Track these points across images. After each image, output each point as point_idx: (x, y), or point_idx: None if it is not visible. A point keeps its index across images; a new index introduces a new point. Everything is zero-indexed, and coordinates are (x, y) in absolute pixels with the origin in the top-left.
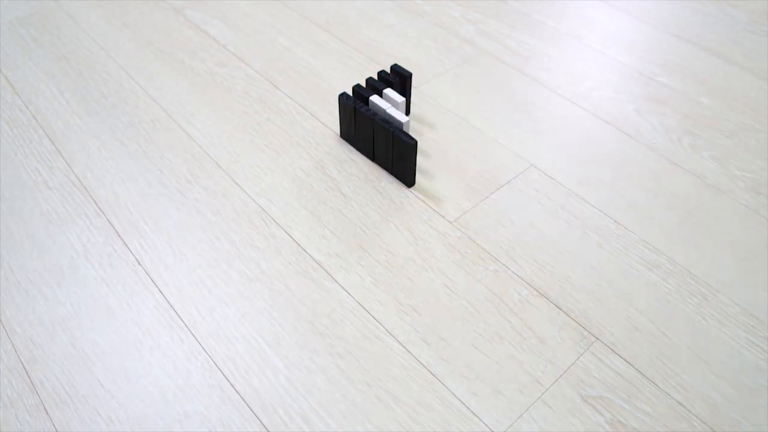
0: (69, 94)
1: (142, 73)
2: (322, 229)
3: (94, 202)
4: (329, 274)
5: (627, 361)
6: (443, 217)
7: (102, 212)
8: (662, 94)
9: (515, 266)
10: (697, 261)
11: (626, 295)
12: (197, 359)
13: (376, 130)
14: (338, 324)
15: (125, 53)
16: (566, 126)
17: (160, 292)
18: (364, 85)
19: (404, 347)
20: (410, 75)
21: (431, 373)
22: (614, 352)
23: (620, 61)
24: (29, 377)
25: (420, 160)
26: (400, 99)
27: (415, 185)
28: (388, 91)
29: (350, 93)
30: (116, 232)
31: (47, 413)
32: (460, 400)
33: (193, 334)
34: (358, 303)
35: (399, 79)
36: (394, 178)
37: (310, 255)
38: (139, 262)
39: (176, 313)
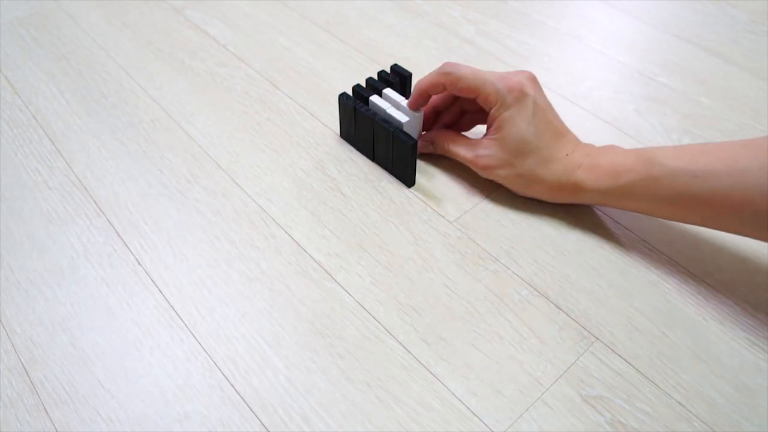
0: (69, 94)
1: (142, 73)
2: (322, 229)
3: (94, 202)
4: (329, 274)
5: (627, 361)
6: (443, 217)
7: (102, 212)
8: (662, 94)
9: (515, 266)
10: (697, 261)
11: (626, 295)
12: (197, 359)
13: (376, 130)
14: (338, 324)
15: (125, 53)
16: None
17: (160, 292)
18: (364, 85)
19: (404, 347)
20: (410, 75)
21: (431, 373)
22: (614, 352)
23: (620, 61)
24: (29, 377)
25: (420, 160)
26: (401, 98)
27: (415, 185)
28: (388, 91)
29: (350, 93)
30: (116, 232)
31: (47, 413)
32: (460, 400)
33: (193, 334)
34: (358, 303)
35: (399, 79)
36: (394, 178)
37: (310, 255)
38: (139, 262)
39: (176, 313)
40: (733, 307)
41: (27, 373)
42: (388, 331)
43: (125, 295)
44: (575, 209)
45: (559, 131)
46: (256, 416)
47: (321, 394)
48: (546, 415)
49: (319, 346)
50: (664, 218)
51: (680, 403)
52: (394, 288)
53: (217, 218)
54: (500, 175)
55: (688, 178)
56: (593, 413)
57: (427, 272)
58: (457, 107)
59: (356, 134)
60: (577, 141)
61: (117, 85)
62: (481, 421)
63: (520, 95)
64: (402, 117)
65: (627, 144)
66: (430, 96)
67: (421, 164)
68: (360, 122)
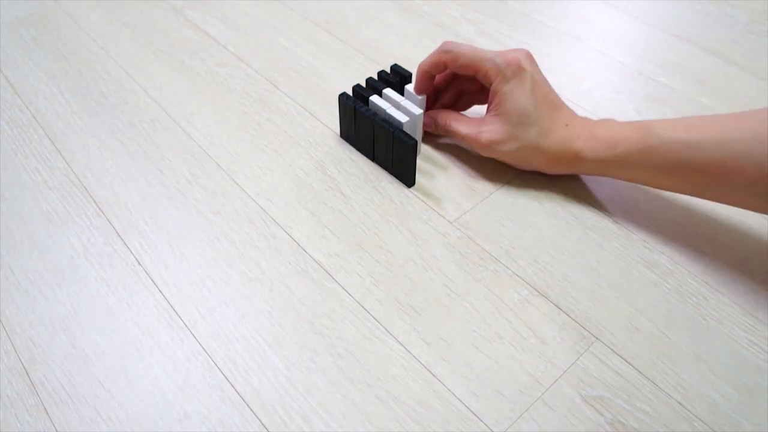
0: (69, 94)
1: (142, 73)
2: (322, 229)
3: (94, 202)
4: (329, 274)
5: (627, 361)
6: (443, 217)
7: (102, 212)
8: (662, 94)
9: (515, 266)
10: (697, 261)
11: (626, 295)
12: (197, 359)
13: (376, 130)
14: (338, 324)
15: (125, 53)
16: None
17: (160, 292)
18: (364, 85)
19: (404, 347)
20: (410, 75)
21: (431, 373)
22: (614, 352)
23: (620, 61)
24: (29, 377)
25: (420, 160)
26: (401, 98)
27: (415, 185)
28: (388, 91)
29: (350, 93)
30: (116, 232)
31: (47, 413)
32: (460, 400)
33: (193, 334)
34: (358, 303)
35: (399, 79)
36: (394, 178)
37: (310, 255)
38: (139, 262)
39: (176, 313)
40: (733, 307)
41: (27, 373)
42: (388, 331)
43: (125, 295)
44: (575, 209)
45: (556, 104)
46: (256, 416)
47: (321, 394)
48: (546, 415)
49: (319, 346)
50: (659, 188)
51: (680, 403)
52: (394, 288)
53: (217, 218)
54: (503, 150)
55: (682, 147)
56: (593, 413)
57: (427, 272)
58: (455, 88)
59: (356, 134)
60: (574, 114)
61: (117, 85)
62: (481, 421)
63: (518, 69)
64: (402, 117)
65: None
66: (434, 77)
67: (421, 164)
68: (360, 122)
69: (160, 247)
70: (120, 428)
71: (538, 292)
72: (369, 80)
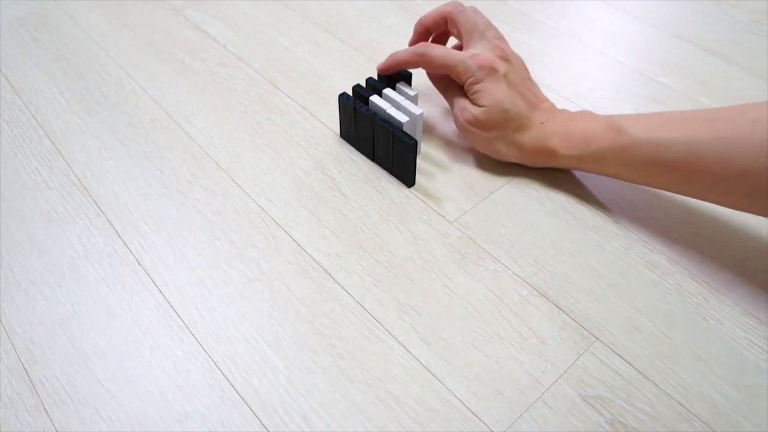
0: (69, 94)
1: (142, 73)
2: (322, 229)
3: (94, 202)
4: (329, 274)
5: (627, 361)
6: (443, 217)
7: (102, 212)
8: (662, 94)
9: (515, 266)
10: (697, 261)
11: (626, 295)
12: (197, 359)
13: (376, 130)
14: (338, 324)
15: (125, 53)
16: None
17: (160, 292)
18: (364, 85)
19: (404, 347)
20: (410, 75)
21: (431, 373)
22: (614, 352)
23: (620, 61)
24: (29, 377)
25: (420, 160)
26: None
27: (415, 185)
28: (388, 91)
29: (350, 93)
30: (116, 232)
31: (47, 413)
32: (460, 400)
33: (193, 334)
34: (358, 303)
35: (399, 79)
36: (394, 178)
37: (310, 255)
38: (139, 262)
39: (176, 313)
40: (733, 307)
41: (27, 373)
42: (388, 331)
43: (125, 295)
44: (575, 209)
45: (532, 102)
46: (256, 416)
47: (321, 394)
48: (546, 415)
49: (319, 346)
50: (635, 183)
51: (680, 403)
52: (394, 288)
53: (217, 218)
54: (480, 137)
55: (651, 146)
56: (593, 413)
57: (427, 272)
58: (446, 35)
59: (356, 134)
60: (553, 109)
61: (117, 85)
62: (481, 421)
63: (491, 71)
64: (402, 117)
65: None
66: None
67: (421, 164)
68: (360, 122)
69: (160, 247)
70: (120, 428)
71: (538, 292)
72: (369, 80)
